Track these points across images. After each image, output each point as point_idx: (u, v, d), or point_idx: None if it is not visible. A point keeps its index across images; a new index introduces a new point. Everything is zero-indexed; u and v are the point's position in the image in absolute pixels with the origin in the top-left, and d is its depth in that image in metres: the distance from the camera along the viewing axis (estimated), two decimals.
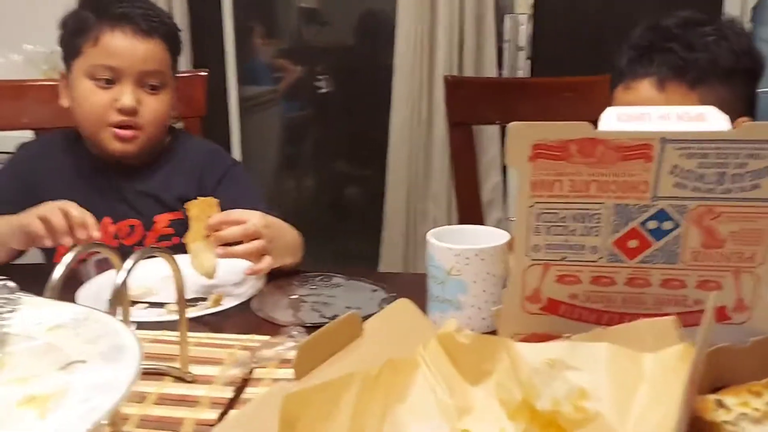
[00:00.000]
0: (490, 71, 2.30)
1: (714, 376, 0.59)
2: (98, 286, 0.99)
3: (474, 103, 1.48)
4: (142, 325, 0.88)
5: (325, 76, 2.86)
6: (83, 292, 0.99)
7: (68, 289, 0.98)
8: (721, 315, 0.69)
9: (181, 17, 2.45)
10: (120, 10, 1.17)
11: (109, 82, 1.17)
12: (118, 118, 1.17)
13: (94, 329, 0.57)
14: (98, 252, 0.85)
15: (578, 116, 0.65)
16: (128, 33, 1.16)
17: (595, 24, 2.35)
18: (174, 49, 1.24)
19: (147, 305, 0.97)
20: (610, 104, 1.07)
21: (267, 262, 1.00)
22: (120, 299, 0.65)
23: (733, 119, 0.64)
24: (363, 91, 2.80)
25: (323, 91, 2.88)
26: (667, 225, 0.66)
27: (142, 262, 1.00)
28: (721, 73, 1.01)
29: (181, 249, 0.99)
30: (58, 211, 0.99)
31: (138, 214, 1.23)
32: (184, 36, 2.49)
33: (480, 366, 0.62)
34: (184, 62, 2.53)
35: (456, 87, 1.48)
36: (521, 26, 2.31)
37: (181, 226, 1.18)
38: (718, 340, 0.61)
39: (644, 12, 2.23)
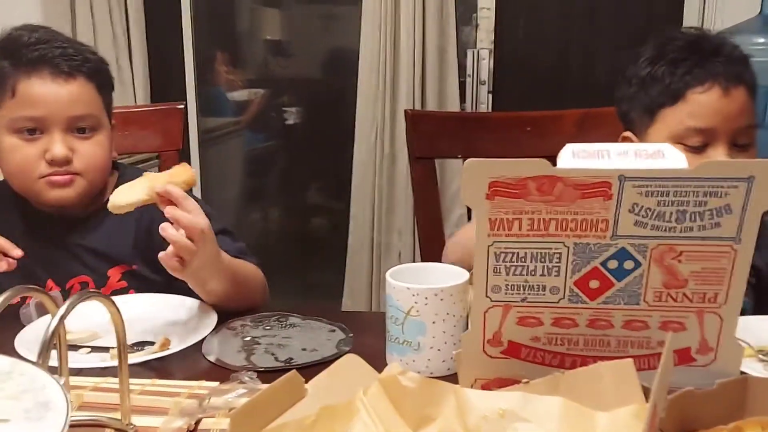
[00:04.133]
0: (453, 105, 2.31)
1: (680, 421, 0.58)
2: (38, 331, 0.93)
3: (435, 137, 1.47)
4: (83, 372, 0.84)
5: (292, 108, 2.85)
6: (23, 336, 0.93)
7: (9, 332, 0.94)
8: (686, 357, 0.67)
9: (140, 47, 2.42)
10: (35, 53, 1.06)
11: (33, 132, 1.07)
12: (49, 170, 1.07)
13: (20, 383, 0.53)
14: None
15: (540, 150, 0.63)
16: (46, 78, 1.06)
17: (554, 59, 2.38)
18: (103, 85, 1.14)
19: (89, 350, 0.92)
20: (649, 129, 1.09)
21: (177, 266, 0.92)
22: (52, 346, 0.60)
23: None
24: (329, 123, 2.79)
25: (290, 122, 2.86)
26: (628, 264, 0.64)
27: (90, 304, 0.95)
28: (755, 83, 1.07)
29: None
30: None
31: (89, 270, 1.14)
32: (143, 67, 2.46)
33: (423, 411, 0.60)
34: (143, 95, 2.50)
35: (417, 121, 1.47)
36: (483, 61, 2.33)
37: (134, 279, 1.13)
38: (684, 382, 0.59)
39: (603, 50, 2.28)
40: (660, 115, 1.08)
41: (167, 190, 0.93)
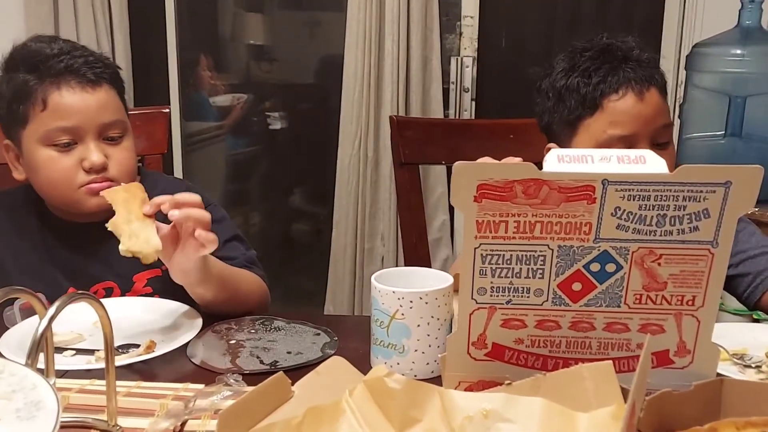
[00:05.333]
0: (437, 112, 2.33)
1: (658, 422, 0.59)
2: (23, 333, 0.93)
3: (420, 143, 1.49)
4: (69, 374, 0.84)
5: (275, 113, 2.85)
6: (7, 339, 0.93)
7: None
8: (664, 359, 0.69)
9: (124, 51, 2.41)
10: (61, 64, 1.06)
11: (69, 144, 1.07)
12: (87, 177, 1.07)
13: (10, 383, 0.53)
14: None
15: (522, 157, 0.64)
16: (75, 87, 1.06)
17: (538, 67, 2.41)
18: (122, 90, 1.16)
19: (75, 352, 0.92)
20: (573, 139, 1.11)
21: (207, 238, 0.94)
22: (40, 348, 0.61)
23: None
24: (312, 128, 2.80)
25: (273, 127, 2.86)
26: (610, 267, 0.66)
27: (74, 306, 0.95)
28: (665, 83, 1.11)
29: None
30: None
31: (115, 275, 1.13)
32: (127, 71, 2.45)
33: (408, 412, 0.61)
34: (127, 99, 2.48)
35: (401, 127, 1.48)
36: (466, 68, 2.36)
37: (160, 283, 1.12)
38: (661, 384, 0.60)
39: None
40: (581, 126, 1.10)
41: (157, 203, 0.94)
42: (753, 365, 0.85)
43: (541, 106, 1.16)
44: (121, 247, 0.92)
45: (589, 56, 1.10)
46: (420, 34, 2.26)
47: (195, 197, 0.97)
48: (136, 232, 0.93)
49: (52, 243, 1.14)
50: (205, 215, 0.96)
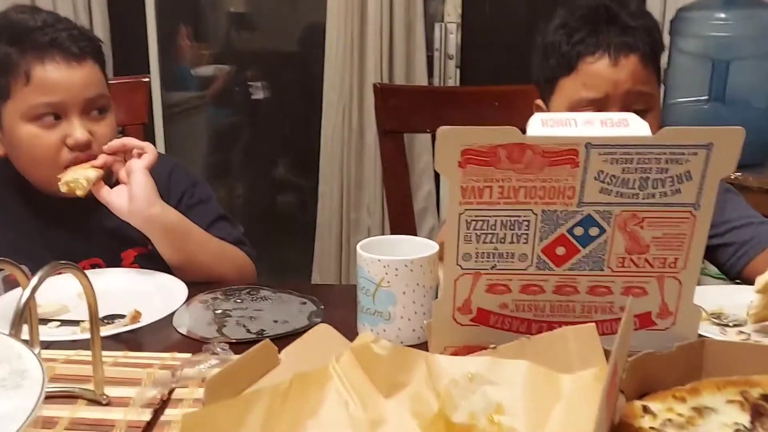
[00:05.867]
0: (421, 79, 2.31)
1: (640, 382, 0.60)
2: (6, 304, 0.92)
3: (404, 111, 1.48)
4: (53, 345, 0.84)
5: (258, 83, 2.81)
6: None
7: None
8: (647, 321, 0.70)
9: (102, 20, 2.36)
10: (46, 37, 1.04)
11: (52, 118, 1.05)
12: (70, 156, 1.06)
13: None
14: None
15: (507, 124, 0.64)
16: (60, 62, 1.04)
17: (522, 33, 2.39)
18: (103, 65, 1.13)
19: (59, 324, 0.91)
20: (552, 97, 1.10)
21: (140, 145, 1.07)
22: (24, 319, 0.60)
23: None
24: (296, 97, 2.77)
25: (255, 97, 2.82)
26: (593, 231, 0.66)
27: (58, 278, 0.95)
28: (653, 51, 1.09)
29: None
30: None
31: (101, 252, 1.12)
32: (106, 41, 2.41)
33: (395, 378, 0.61)
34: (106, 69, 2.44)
35: (385, 95, 1.47)
36: (450, 35, 2.33)
37: (147, 260, 1.11)
38: (644, 346, 0.61)
39: None
40: (558, 84, 1.10)
41: (113, 145, 1.06)
42: (731, 324, 0.86)
43: (533, 61, 1.16)
44: (60, 183, 1.02)
45: (579, 15, 1.10)
46: (403, 1, 2.23)
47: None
48: (76, 170, 1.04)
49: (35, 219, 1.13)
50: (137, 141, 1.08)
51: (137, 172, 1.04)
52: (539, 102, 1.16)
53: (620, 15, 1.08)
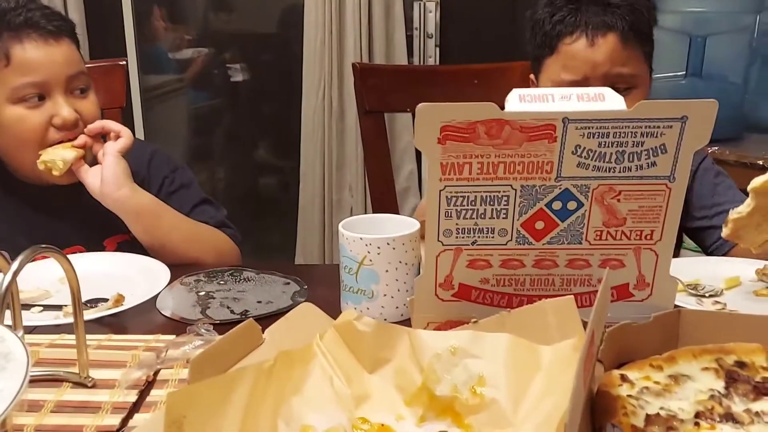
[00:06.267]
0: (401, 59, 2.30)
1: (618, 352, 0.61)
2: None
3: (384, 90, 1.47)
4: (37, 330, 0.84)
5: (237, 65, 2.78)
6: None
7: None
8: (624, 293, 0.71)
9: (76, 3, 2.32)
10: (20, 17, 1.03)
11: (38, 100, 1.04)
12: (57, 135, 1.05)
13: None
14: None
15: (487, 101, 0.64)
16: (38, 41, 1.03)
17: (501, 11, 2.40)
18: (78, 46, 1.12)
19: (42, 308, 0.91)
20: (539, 76, 1.10)
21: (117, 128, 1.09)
22: (6, 304, 0.60)
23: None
24: (275, 79, 2.75)
25: (235, 79, 2.80)
26: (571, 205, 0.67)
27: (39, 264, 0.94)
28: (636, 28, 1.06)
29: None
30: None
31: (84, 240, 1.11)
32: (80, 25, 2.37)
33: (379, 353, 0.62)
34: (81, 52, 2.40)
35: (365, 75, 1.47)
36: (429, 13, 2.33)
37: (130, 248, 1.11)
38: (622, 317, 0.62)
39: None
40: (544, 63, 1.11)
41: (92, 128, 1.07)
42: (707, 295, 0.88)
43: (525, 36, 1.16)
44: (38, 161, 1.04)
45: None
46: None
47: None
48: (57, 149, 1.04)
49: (16, 206, 1.12)
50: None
51: (108, 156, 1.06)
52: (532, 77, 1.16)
53: None
